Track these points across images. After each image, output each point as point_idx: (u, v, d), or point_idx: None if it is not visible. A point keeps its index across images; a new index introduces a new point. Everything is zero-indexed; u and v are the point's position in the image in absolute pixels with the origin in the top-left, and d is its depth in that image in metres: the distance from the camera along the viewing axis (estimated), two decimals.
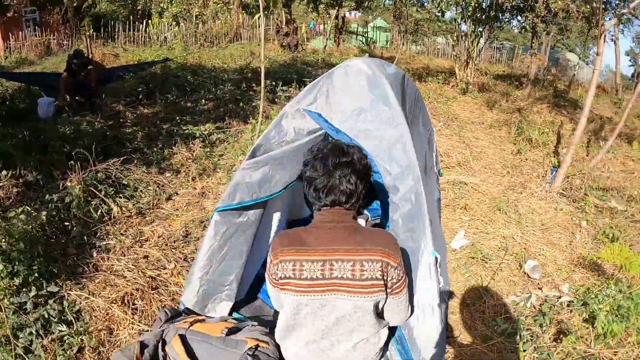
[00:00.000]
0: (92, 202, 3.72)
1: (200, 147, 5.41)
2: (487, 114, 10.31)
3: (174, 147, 5.32)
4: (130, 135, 5.55)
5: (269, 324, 2.12)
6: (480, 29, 12.31)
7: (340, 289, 1.65)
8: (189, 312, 2.21)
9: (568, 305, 3.67)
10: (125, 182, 4.31)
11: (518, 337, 3.24)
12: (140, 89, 6.52)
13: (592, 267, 4.75)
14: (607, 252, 3.85)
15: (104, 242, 3.32)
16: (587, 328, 3.39)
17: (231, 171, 4.96)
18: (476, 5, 11.03)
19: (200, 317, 2.01)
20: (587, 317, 3.44)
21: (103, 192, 3.84)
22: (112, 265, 3.05)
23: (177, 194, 4.58)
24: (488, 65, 18.33)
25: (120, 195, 4.07)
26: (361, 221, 4.21)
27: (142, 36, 17.73)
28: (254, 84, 7.56)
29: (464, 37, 12.67)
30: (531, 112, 10.58)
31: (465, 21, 12.28)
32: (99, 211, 3.64)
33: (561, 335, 3.29)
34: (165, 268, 3.15)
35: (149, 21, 18.56)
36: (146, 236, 3.64)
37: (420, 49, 21.32)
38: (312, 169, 1.74)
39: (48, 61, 15.27)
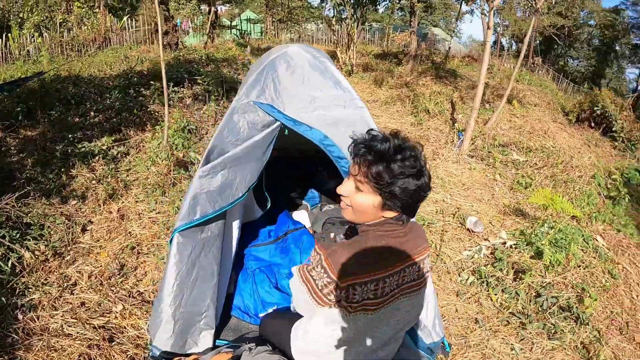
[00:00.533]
0: None
1: (102, 165, 4.81)
2: (378, 92, 10.75)
3: (72, 170, 4.66)
4: (17, 164, 4.73)
5: (259, 341, 1.91)
6: (358, 14, 12.72)
7: (406, 292, 1.51)
8: (167, 355, 1.89)
9: (515, 248, 3.93)
10: (28, 221, 3.64)
11: (485, 284, 3.41)
12: (18, 108, 5.56)
13: (517, 212, 5.16)
14: (535, 196, 4.20)
15: (26, 299, 2.74)
16: (537, 263, 3.68)
17: (147, 185, 4.50)
18: None
19: (191, 359, 1.71)
20: (533, 253, 3.74)
21: (7, 238, 3.20)
22: (47, 324, 2.52)
23: (91, 222, 4.01)
24: (363, 46, 19.01)
25: (27, 237, 3.43)
26: (303, 212, 4.07)
27: (1, 52, 15.48)
28: (141, 89, 6.94)
29: (342, 22, 13.02)
30: (417, 85, 11.26)
31: (342, 6, 12.61)
32: (9, 261, 3.01)
33: (519, 274, 3.54)
34: (111, 312, 2.69)
35: (9, 35, 16.26)
36: (73, 280, 3.11)
37: (293, 37, 21.40)
38: (406, 168, 1.40)
39: None
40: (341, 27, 13.38)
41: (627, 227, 5.47)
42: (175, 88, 6.81)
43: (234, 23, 22.41)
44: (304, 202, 4.48)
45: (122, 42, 16.28)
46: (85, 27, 16.19)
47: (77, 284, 3.07)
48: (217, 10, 17.78)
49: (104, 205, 4.22)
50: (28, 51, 15.43)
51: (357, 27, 12.72)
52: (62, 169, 4.62)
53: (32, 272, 3.05)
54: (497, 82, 13.52)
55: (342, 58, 12.59)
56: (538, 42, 29.47)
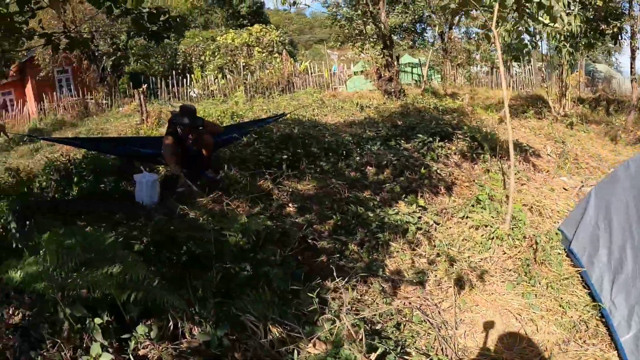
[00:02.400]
0: None
1: (419, 236, 3.53)
2: (622, 150, 8.66)
3: (391, 243, 3.46)
4: (307, 228, 3.70)
5: None
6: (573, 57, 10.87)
7: None
8: None
9: None
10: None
11: None
12: (282, 155, 4.72)
13: None
14: None
15: None
16: None
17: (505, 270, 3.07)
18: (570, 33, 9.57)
19: None
20: None
21: None
22: None
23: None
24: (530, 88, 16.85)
25: None
26: None
27: (186, 92, 16.37)
28: (401, 140, 5.75)
29: (556, 66, 11.19)
30: None
31: (557, 49, 10.89)
32: None
33: None
34: None
35: (191, 76, 17.26)
36: None
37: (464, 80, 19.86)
38: None
39: (91, 122, 13.77)
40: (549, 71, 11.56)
41: None
42: (441, 143, 5.51)
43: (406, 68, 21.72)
44: None
45: (304, 86, 16.22)
46: (268, 70, 16.45)
47: None
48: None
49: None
50: (212, 91, 16.09)
51: (570, 72, 10.88)
52: (378, 241, 3.43)
53: None
54: None
55: (555, 107, 10.72)
56: None
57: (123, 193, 4.51)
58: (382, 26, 10.00)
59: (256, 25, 21.06)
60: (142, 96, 10.57)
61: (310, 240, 3.63)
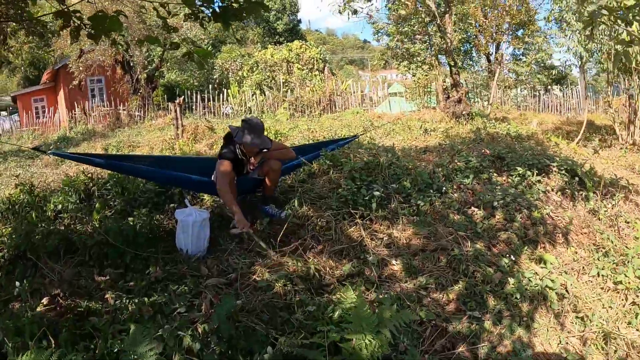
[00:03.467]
0: None
1: None
2: None
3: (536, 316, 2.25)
4: (437, 305, 2.47)
5: None
6: None
7: None
8: None
9: None
10: None
11: None
12: (372, 190, 3.51)
13: None
14: None
15: None
16: None
17: None
18: None
19: None
20: None
21: None
22: None
23: None
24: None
25: None
26: None
27: (222, 106, 15.52)
28: (493, 172, 4.52)
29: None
30: None
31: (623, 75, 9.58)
32: None
33: None
34: None
35: (228, 91, 16.44)
36: None
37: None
38: None
39: (122, 133, 12.97)
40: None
41: None
42: (539, 177, 4.26)
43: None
44: None
45: (345, 106, 15.17)
46: (309, 88, 15.48)
47: None
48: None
49: None
50: (250, 108, 15.21)
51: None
52: (518, 314, 2.22)
53: None
54: None
55: (622, 135, 9.33)
56: None
57: (157, 231, 3.38)
58: (449, 41, 8.84)
59: (296, 42, 20.31)
60: (178, 109, 9.63)
61: (435, 321, 2.41)
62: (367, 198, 3.49)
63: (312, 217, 3.35)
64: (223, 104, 15.73)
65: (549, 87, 20.98)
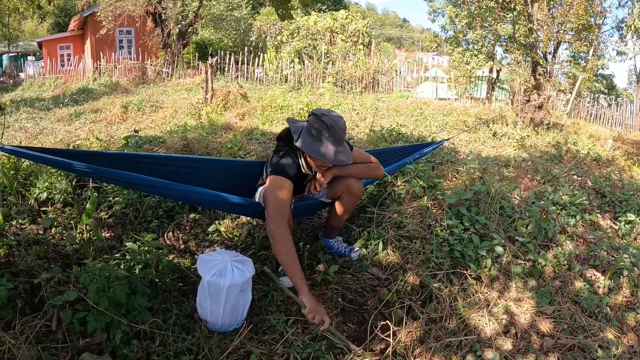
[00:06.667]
0: None
1: None
2: None
3: None
4: None
5: None
6: None
7: None
8: None
9: None
10: None
11: None
12: (490, 240, 2.32)
13: None
14: None
15: None
16: None
17: None
18: None
19: None
20: None
21: None
22: None
23: None
24: None
25: None
26: None
27: (256, 71, 14.23)
28: (598, 214, 3.27)
29: None
30: None
31: None
32: None
33: None
34: None
35: (264, 55, 15.10)
36: None
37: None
38: None
39: (147, 89, 11.86)
40: None
41: None
42: None
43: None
44: None
45: (389, 87, 13.73)
46: (352, 62, 14.05)
47: None
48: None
49: None
50: (286, 76, 13.89)
51: None
52: None
53: None
54: None
55: None
56: None
57: (173, 276, 2.23)
58: (537, 35, 7.41)
59: (342, 11, 18.72)
60: (210, 70, 8.43)
61: None
62: (481, 253, 2.29)
63: (398, 269, 2.16)
64: (257, 68, 14.45)
65: (596, 96, 19.08)
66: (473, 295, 2.17)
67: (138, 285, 1.93)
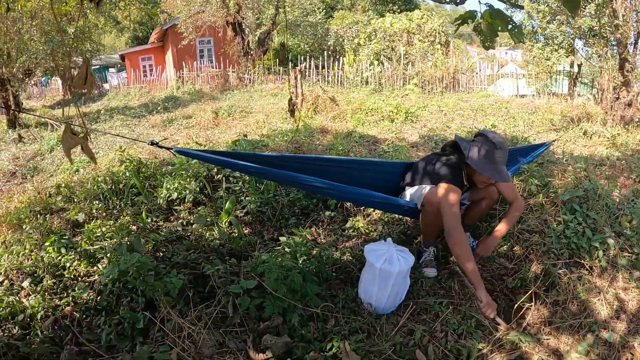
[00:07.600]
0: None
1: None
2: None
3: None
4: None
5: None
6: None
7: None
8: None
9: None
10: None
11: None
12: (610, 243, 2.39)
13: None
14: None
15: None
16: None
17: None
18: None
19: None
20: None
21: None
22: None
23: None
24: None
25: None
26: None
27: (337, 75, 14.22)
28: None
29: None
30: None
31: None
32: None
33: None
34: None
35: (343, 59, 15.07)
36: None
37: None
38: None
39: (232, 96, 12.26)
40: None
41: None
42: None
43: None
44: None
45: (468, 86, 13.14)
46: (431, 62, 13.63)
47: None
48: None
49: None
50: (366, 79, 13.76)
51: None
52: None
53: None
54: None
55: None
56: None
57: (324, 268, 2.20)
58: (622, 29, 6.75)
59: (417, 11, 18.31)
60: (299, 76, 8.49)
61: None
62: (594, 244, 2.51)
63: (523, 259, 2.48)
64: (338, 72, 14.45)
65: None
66: (588, 282, 2.33)
67: (306, 274, 2.11)
